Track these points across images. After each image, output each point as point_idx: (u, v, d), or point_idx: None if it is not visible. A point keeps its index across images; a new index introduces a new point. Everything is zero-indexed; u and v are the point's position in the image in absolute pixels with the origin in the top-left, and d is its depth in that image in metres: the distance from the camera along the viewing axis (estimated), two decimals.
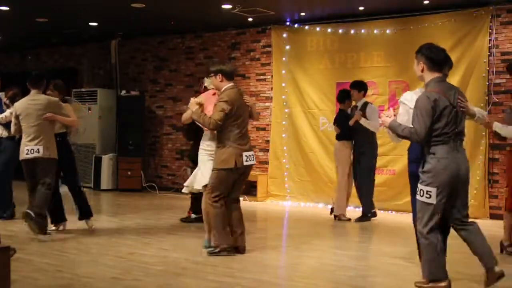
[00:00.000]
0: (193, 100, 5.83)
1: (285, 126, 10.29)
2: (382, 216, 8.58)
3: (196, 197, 7.34)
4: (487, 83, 8.51)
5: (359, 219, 8.15)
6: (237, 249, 5.84)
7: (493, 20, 8.55)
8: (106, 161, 11.66)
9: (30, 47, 13.64)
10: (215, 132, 5.75)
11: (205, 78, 6.31)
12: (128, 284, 4.76)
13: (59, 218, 7.06)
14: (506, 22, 8.56)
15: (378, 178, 8.66)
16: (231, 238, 5.79)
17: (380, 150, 8.43)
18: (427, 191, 4.26)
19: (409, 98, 4.70)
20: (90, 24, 10.86)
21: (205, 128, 5.92)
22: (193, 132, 7.05)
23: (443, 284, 4.34)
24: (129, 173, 11.54)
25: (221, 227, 5.71)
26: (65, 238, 6.63)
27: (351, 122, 8.13)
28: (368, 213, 8.20)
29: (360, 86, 8.22)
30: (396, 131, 4.40)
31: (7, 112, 7.47)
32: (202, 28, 11.13)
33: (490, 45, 8.57)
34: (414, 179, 4.65)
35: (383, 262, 5.76)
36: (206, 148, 5.94)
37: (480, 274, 4.53)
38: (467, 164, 4.38)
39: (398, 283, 5.09)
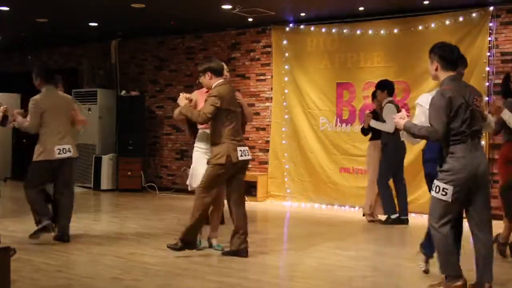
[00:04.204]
0: (182, 95, 5.79)
1: (285, 126, 10.29)
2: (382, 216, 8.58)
3: None
4: (487, 83, 8.51)
5: (385, 222, 7.97)
6: (238, 252, 5.70)
7: (493, 20, 8.55)
8: (106, 161, 11.66)
9: (30, 47, 13.64)
10: (209, 130, 5.71)
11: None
12: (128, 284, 4.77)
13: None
14: (506, 22, 8.56)
15: None
16: (197, 237, 5.78)
17: None
18: (443, 188, 4.23)
19: (425, 100, 4.67)
20: (90, 24, 10.86)
21: (199, 126, 5.90)
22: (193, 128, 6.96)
23: (459, 283, 4.29)
24: (129, 173, 11.54)
25: (197, 222, 5.61)
26: None
27: (365, 125, 8.19)
28: (390, 215, 7.90)
29: (382, 86, 8.06)
30: (412, 131, 4.34)
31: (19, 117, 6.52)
32: (202, 28, 11.14)
33: (490, 45, 8.57)
34: (431, 179, 4.58)
35: (383, 262, 5.76)
36: (201, 146, 5.93)
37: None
38: (486, 163, 4.34)
39: (398, 284, 5.10)
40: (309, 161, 10.07)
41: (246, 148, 5.76)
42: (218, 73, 5.73)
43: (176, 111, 5.91)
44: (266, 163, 10.55)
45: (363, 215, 8.29)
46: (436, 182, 4.30)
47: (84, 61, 12.95)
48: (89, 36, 12.19)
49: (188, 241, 5.67)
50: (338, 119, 9.79)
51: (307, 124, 10.12)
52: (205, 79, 5.74)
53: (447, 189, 4.22)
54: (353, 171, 9.61)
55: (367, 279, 5.12)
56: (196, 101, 5.89)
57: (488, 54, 8.56)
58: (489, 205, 4.43)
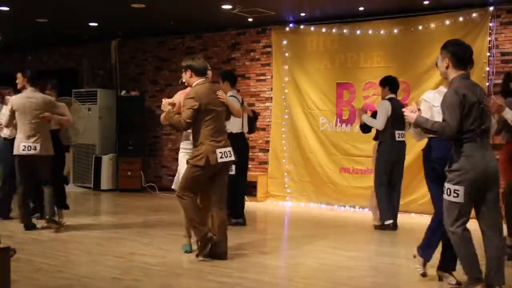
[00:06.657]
0: (165, 101, 5.62)
1: (285, 126, 10.29)
2: None
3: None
4: (487, 84, 8.50)
5: (378, 226, 7.49)
6: (218, 254, 5.55)
7: (493, 20, 8.55)
8: (106, 161, 11.66)
9: (30, 47, 13.64)
10: (190, 131, 5.64)
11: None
12: (128, 284, 4.77)
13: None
14: (506, 22, 8.56)
15: None
16: (208, 226, 5.60)
17: None
18: (454, 190, 4.15)
19: (431, 96, 4.65)
20: (90, 24, 10.86)
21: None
22: None
23: (479, 286, 4.21)
24: (129, 173, 11.54)
25: (195, 219, 5.48)
26: (65, 238, 6.64)
27: (358, 119, 7.96)
28: (383, 221, 7.38)
29: (382, 82, 7.75)
30: (424, 126, 4.22)
31: (4, 110, 7.51)
32: (202, 28, 11.14)
33: (490, 45, 8.57)
34: (435, 180, 4.53)
35: (383, 262, 5.76)
36: (185, 147, 5.88)
37: None
38: (496, 162, 4.27)
39: (398, 284, 5.11)
40: (309, 161, 10.06)
41: (229, 149, 5.58)
42: (199, 72, 5.62)
43: (162, 117, 5.79)
44: (266, 163, 10.55)
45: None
46: (446, 184, 4.21)
47: (84, 61, 12.95)
48: (89, 36, 12.19)
49: (203, 239, 5.52)
50: (338, 119, 9.79)
51: (307, 124, 10.12)
52: (186, 76, 5.66)
53: (458, 190, 4.14)
54: (353, 171, 9.61)
55: (367, 279, 5.12)
56: (180, 102, 5.73)
57: (488, 54, 8.55)
58: (499, 205, 4.35)
